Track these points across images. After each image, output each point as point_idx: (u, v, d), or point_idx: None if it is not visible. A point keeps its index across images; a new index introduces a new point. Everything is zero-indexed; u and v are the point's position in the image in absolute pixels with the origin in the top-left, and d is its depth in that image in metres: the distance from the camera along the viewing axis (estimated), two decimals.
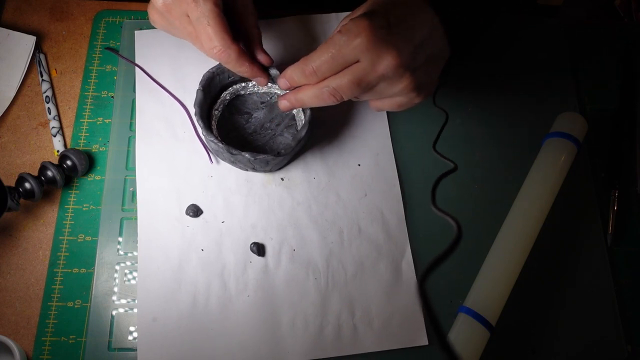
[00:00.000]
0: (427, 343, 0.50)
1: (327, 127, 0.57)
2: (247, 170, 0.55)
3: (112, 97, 0.59)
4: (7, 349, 0.48)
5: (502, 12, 0.57)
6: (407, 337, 0.50)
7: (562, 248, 0.55)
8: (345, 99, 0.43)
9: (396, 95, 0.43)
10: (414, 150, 0.57)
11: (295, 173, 0.56)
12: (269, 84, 0.55)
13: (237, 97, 0.57)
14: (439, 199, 0.56)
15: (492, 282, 0.51)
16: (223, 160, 0.55)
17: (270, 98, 0.57)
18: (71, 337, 0.50)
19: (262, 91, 0.57)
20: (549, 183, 0.54)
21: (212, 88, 0.54)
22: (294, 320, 0.50)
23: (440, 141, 0.58)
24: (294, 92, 0.45)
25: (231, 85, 0.56)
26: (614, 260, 0.55)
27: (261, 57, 0.50)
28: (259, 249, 0.52)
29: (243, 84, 0.56)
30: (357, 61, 0.41)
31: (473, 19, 0.49)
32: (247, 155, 0.50)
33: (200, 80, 0.52)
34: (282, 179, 0.55)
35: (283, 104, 0.47)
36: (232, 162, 0.54)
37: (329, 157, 0.56)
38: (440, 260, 0.36)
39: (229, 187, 0.55)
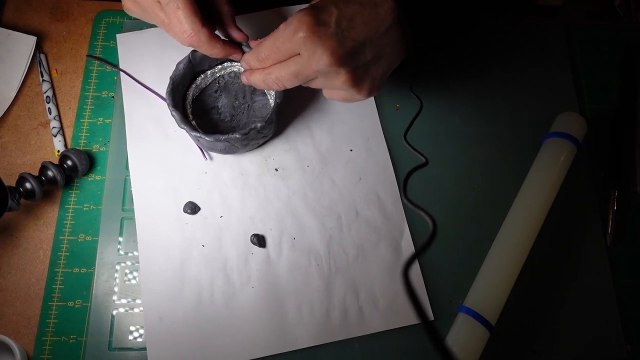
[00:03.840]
0: (432, 318, 0.52)
1: (317, 115, 0.58)
2: (246, 150, 0.55)
3: (113, 97, 0.59)
4: (7, 349, 0.48)
5: (483, 12, 0.57)
6: (412, 315, 0.51)
7: (562, 248, 0.55)
8: (289, 87, 0.46)
9: (337, 89, 0.45)
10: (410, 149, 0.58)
11: (289, 162, 0.56)
12: (215, 69, 0.56)
13: (196, 102, 0.56)
14: (437, 199, 0.56)
15: (492, 282, 0.51)
16: (219, 152, 0.55)
17: (219, 83, 0.57)
18: (72, 336, 0.50)
19: (209, 82, 0.57)
20: (548, 183, 0.54)
21: (177, 99, 0.53)
22: (300, 307, 0.51)
23: (439, 141, 0.58)
24: (248, 73, 0.48)
25: (186, 94, 0.55)
26: (614, 260, 0.55)
27: (235, 34, 0.50)
28: (260, 241, 0.53)
29: (193, 86, 0.56)
30: (299, 53, 0.43)
31: (444, 18, 0.49)
32: (237, 135, 0.50)
33: (167, 102, 0.52)
34: (277, 170, 0.55)
35: (243, 79, 0.49)
36: (228, 150, 0.54)
37: (321, 144, 0.57)
38: (418, 254, 0.37)
39: (224, 182, 0.55)
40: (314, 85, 0.46)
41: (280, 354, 0.50)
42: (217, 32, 0.49)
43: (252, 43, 0.49)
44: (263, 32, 0.60)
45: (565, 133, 0.55)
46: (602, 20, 0.71)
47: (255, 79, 0.47)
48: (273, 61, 0.44)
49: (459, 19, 0.52)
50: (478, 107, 0.60)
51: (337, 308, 0.51)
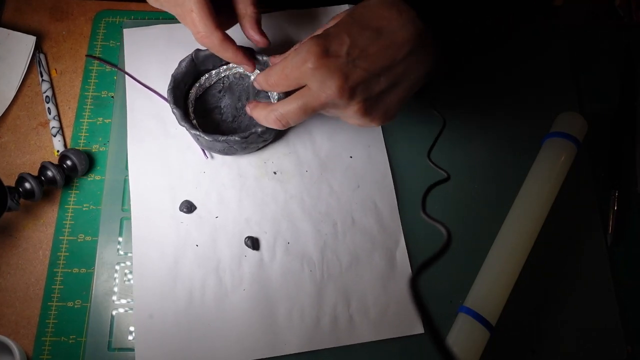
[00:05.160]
0: (422, 331, 0.51)
1: (319, 120, 0.57)
2: (245, 153, 0.55)
3: (112, 97, 0.59)
4: (7, 349, 0.48)
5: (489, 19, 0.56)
6: (403, 326, 0.51)
7: (562, 248, 0.55)
8: (293, 125, 0.44)
9: (350, 117, 0.43)
10: (409, 152, 0.57)
11: (288, 166, 0.56)
12: (220, 69, 0.56)
13: (199, 101, 0.56)
14: (437, 199, 0.56)
15: (492, 282, 0.51)
16: (218, 153, 0.55)
17: (223, 83, 0.57)
18: (71, 337, 0.50)
19: (213, 81, 0.57)
20: (548, 183, 0.54)
21: (179, 97, 0.53)
22: (291, 312, 0.51)
23: (438, 141, 0.58)
24: (252, 106, 0.48)
25: (189, 92, 0.56)
26: (614, 260, 0.55)
27: (256, 37, 0.48)
28: (254, 243, 0.53)
29: (197, 84, 0.56)
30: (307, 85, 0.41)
31: (466, 34, 0.47)
32: (237, 138, 0.50)
33: (167, 99, 0.52)
34: (275, 173, 0.55)
35: (248, 111, 0.49)
36: (227, 151, 0.54)
37: (321, 150, 0.56)
38: (428, 264, 0.36)
39: (222, 182, 0.55)
40: (328, 114, 0.45)
41: (269, 358, 0.50)
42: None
43: (272, 59, 0.49)
44: (274, 33, 0.60)
45: (566, 133, 0.55)
46: (602, 21, 0.71)
47: (258, 115, 0.46)
48: (282, 88, 0.43)
49: (475, 31, 0.49)
50: (477, 107, 0.60)
51: (327, 315, 0.51)
